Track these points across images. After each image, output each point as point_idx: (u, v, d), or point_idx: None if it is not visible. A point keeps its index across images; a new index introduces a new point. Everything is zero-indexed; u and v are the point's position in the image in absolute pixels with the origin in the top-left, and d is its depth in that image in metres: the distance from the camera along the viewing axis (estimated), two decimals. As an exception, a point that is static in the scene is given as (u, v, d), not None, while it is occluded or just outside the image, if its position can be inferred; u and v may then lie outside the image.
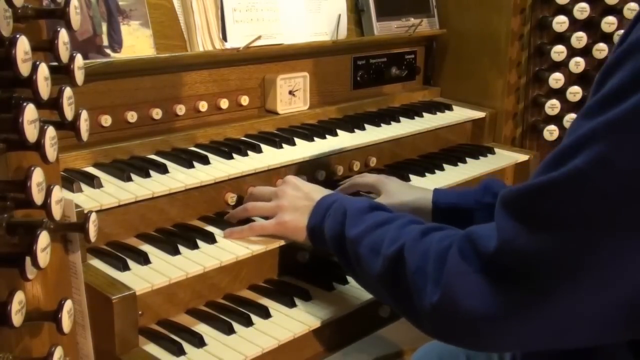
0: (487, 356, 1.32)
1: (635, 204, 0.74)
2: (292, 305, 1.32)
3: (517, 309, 0.84)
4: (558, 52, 2.08)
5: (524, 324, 0.84)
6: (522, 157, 2.04)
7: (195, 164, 1.48)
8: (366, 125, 1.87)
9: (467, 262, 0.88)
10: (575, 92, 2.11)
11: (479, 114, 2.15)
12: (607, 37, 2.09)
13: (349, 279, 1.42)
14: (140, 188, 1.35)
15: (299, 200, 1.32)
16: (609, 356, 0.90)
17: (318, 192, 1.32)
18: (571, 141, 0.79)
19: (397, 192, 1.48)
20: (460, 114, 2.15)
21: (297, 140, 1.70)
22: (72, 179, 1.33)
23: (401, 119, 1.98)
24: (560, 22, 2.07)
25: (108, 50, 1.51)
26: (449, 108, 2.17)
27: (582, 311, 0.81)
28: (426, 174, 1.81)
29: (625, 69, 0.75)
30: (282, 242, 1.37)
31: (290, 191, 1.35)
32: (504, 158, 2.03)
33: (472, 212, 1.40)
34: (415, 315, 0.98)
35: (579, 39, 2.07)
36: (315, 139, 1.73)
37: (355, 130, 1.84)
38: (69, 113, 0.81)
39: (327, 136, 1.75)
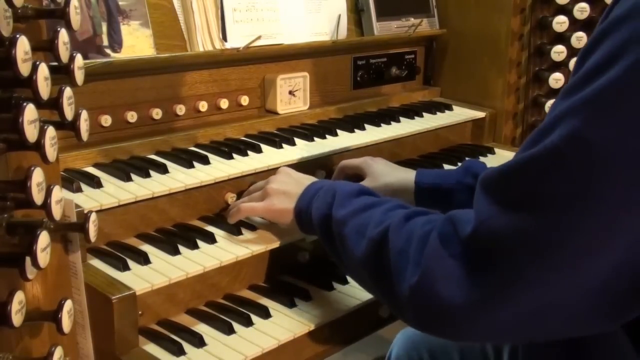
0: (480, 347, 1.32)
1: (609, 181, 0.74)
2: (292, 305, 1.32)
3: (493, 294, 0.83)
4: (558, 52, 2.08)
5: (500, 310, 0.83)
6: (522, 157, 2.04)
7: (195, 164, 1.48)
8: (366, 125, 1.87)
9: (446, 246, 0.88)
10: (575, 92, 2.10)
11: (479, 114, 2.15)
12: (607, 37, 2.09)
13: (349, 279, 1.42)
14: (140, 188, 1.35)
15: (289, 185, 1.33)
16: (608, 346, 0.90)
17: (308, 180, 1.34)
18: (548, 120, 0.79)
19: (382, 173, 1.50)
20: (460, 114, 2.15)
21: (297, 140, 1.70)
22: (72, 179, 1.33)
23: (401, 119, 1.98)
24: (560, 22, 2.07)
25: (108, 50, 1.51)
26: (449, 108, 2.17)
27: (559, 296, 0.80)
28: (426, 174, 1.81)
29: (602, 49, 0.76)
30: (282, 242, 1.37)
31: (281, 177, 1.36)
32: (503, 158, 2.02)
33: (453, 192, 1.42)
34: (395, 300, 0.97)
35: (579, 39, 2.07)
36: (315, 139, 1.73)
37: (355, 130, 1.84)
38: (69, 113, 0.81)
39: (327, 136, 1.75)
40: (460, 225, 0.88)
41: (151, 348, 1.17)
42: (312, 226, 1.23)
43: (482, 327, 0.86)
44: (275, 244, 1.36)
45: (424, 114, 2.07)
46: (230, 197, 1.48)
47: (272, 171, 1.53)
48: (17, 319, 0.71)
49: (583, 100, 0.75)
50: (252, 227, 1.40)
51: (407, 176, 1.48)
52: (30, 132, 0.71)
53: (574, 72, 0.81)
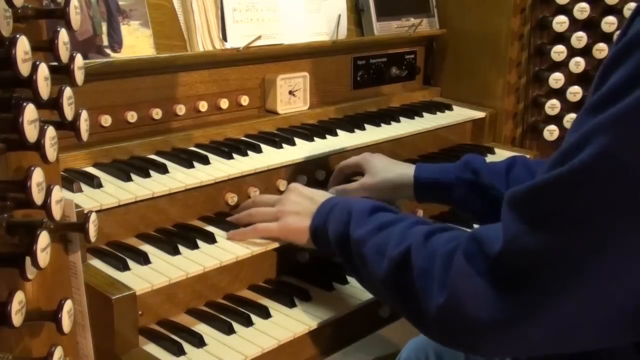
0: None
1: None
2: (292, 305, 1.32)
3: (522, 312, 0.83)
4: (558, 52, 2.08)
5: (529, 328, 0.83)
6: (522, 157, 2.04)
7: (195, 164, 1.48)
8: (366, 125, 1.87)
9: (473, 264, 0.87)
10: (575, 92, 2.11)
11: (479, 114, 2.15)
12: (607, 37, 2.09)
13: (349, 279, 1.42)
14: (140, 188, 1.35)
15: (302, 204, 1.32)
16: (613, 357, 0.90)
17: (321, 196, 1.32)
18: (576, 138, 0.78)
19: (381, 169, 1.50)
20: (460, 114, 2.15)
21: (297, 140, 1.70)
22: (72, 179, 1.33)
23: (401, 119, 1.98)
24: (560, 22, 2.07)
25: (108, 50, 1.51)
26: (449, 108, 2.17)
27: (588, 313, 0.80)
28: (426, 174, 1.80)
29: (628, 64, 0.75)
30: (282, 242, 1.37)
31: (293, 197, 1.34)
32: (503, 158, 2.02)
33: (452, 187, 1.42)
34: (420, 318, 0.97)
35: (579, 39, 2.07)
36: (315, 139, 1.73)
37: (355, 130, 1.84)
38: (69, 113, 0.81)
39: (327, 136, 1.75)
40: (486, 244, 0.87)
41: (151, 348, 1.17)
42: (330, 244, 1.22)
43: (512, 344, 0.87)
44: (275, 244, 1.36)
45: (424, 114, 2.07)
46: (230, 197, 1.48)
47: (272, 171, 1.54)
48: (17, 319, 0.71)
49: (613, 118, 0.74)
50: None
51: (406, 171, 1.48)
52: (30, 132, 0.71)
53: (597, 86, 0.80)
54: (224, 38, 1.71)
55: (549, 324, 0.82)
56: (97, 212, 1.04)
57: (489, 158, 2.00)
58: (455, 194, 1.42)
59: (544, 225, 0.80)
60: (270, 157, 1.58)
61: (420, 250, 0.98)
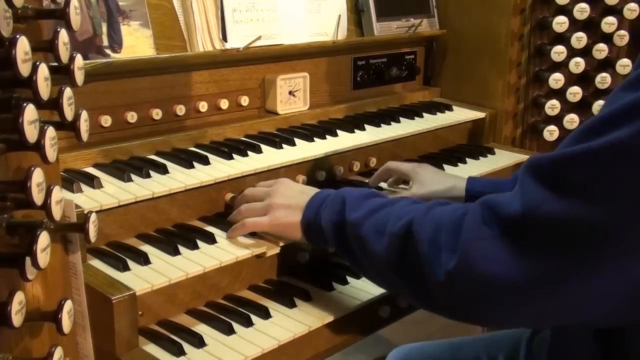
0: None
1: None
2: (292, 305, 1.32)
3: (540, 278, 0.82)
4: (558, 52, 2.08)
5: (545, 294, 0.82)
6: (522, 158, 2.04)
7: (195, 164, 1.48)
8: (366, 126, 1.87)
9: (487, 227, 0.86)
10: (575, 93, 2.10)
11: (479, 115, 2.15)
12: (607, 38, 2.09)
13: (349, 279, 1.42)
14: (140, 188, 1.35)
15: (293, 197, 1.31)
16: (637, 337, 0.89)
17: (310, 190, 1.32)
18: (612, 111, 0.77)
19: (431, 181, 1.49)
20: (460, 114, 2.15)
21: (297, 140, 1.70)
22: (72, 179, 1.33)
23: (401, 119, 1.98)
24: (560, 23, 2.07)
25: (108, 51, 1.51)
26: (449, 108, 2.17)
27: (606, 286, 0.79)
28: (426, 174, 1.80)
29: None
30: (283, 244, 1.37)
31: (283, 190, 1.34)
32: (504, 158, 2.03)
33: None
34: (426, 292, 0.95)
35: (579, 39, 2.07)
36: (315, 139, 1.73)
37: (355, 130, 1.84)
38: (69, 113, 0.81)
39: (327, 136, 1.75)
40: (501, 208, 0.86)
41: (151, 348, 1.17)
42: (323, 236, 1.21)
43: (524, 310, 0.86)
44: (276, 249, 1.36)
45: (424, 114, 2.07)
46: (230, 198, 1.48)
47: (272, 171, 1.54)
48: (17, 319, 0.71)
49: None
50: (252, 227, 1.39)
51: (456, 184, 1.47)
52: (30, 133, 0.71)
53: (638, 65, 0.79)
54: (224, 38, 1.71)
55: (565, 293, 0.81)
56: (97, 212, 1.05)
57: (489, 158, 2.01)
58: None
59: (570, 195, 0.79)
60: (270, 157, 1.58)
61: (423, 222, 0.97)
